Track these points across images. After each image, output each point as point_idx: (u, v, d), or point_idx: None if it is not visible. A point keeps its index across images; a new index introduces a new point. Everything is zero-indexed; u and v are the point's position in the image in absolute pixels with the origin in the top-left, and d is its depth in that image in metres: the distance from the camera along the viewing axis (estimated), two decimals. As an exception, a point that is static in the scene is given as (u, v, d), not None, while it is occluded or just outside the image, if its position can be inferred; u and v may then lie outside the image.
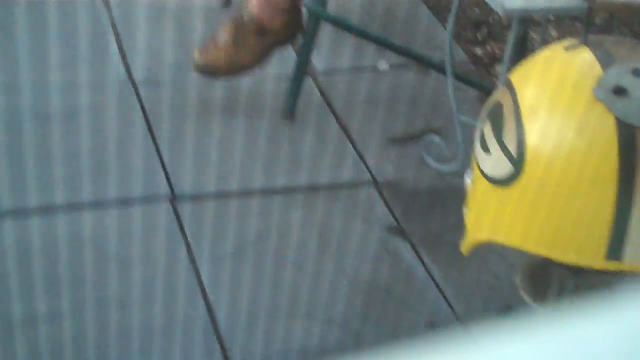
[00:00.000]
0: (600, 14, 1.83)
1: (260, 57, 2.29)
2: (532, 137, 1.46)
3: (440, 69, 2.22)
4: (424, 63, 2.46)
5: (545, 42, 2.11)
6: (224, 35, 2.27)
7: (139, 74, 2.37)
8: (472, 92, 2.43)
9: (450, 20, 2.05)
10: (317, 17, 2.25)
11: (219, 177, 2.09)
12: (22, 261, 1.83)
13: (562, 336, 0.55)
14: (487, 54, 2.64)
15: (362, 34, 2.43)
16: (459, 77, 2.37)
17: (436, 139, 2.19)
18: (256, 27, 2.26)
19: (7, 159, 2.05)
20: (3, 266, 1.81)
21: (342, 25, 2.41)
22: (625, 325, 0.57)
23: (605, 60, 1.49)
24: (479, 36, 2.72)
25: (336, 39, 2.53)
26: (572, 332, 0.56)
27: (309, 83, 2.40)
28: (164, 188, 2.04)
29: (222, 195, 2.05)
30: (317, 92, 2.40)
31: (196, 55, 2.26)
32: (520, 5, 1.79)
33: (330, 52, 2.53)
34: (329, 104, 2.37)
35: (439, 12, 2.79)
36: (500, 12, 1.80)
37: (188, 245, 1.91)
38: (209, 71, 2.27)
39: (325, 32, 2.41)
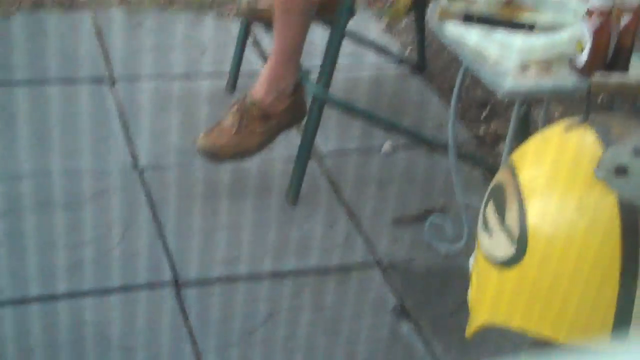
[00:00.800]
0: (601, 92, 1.84)
1: (265, 140, 2.30)
2: (534, 219, 1.45)
3: (445, 149, 2.22)
4: (428, 143, 2.47)
5: (548, 120, 2.12)
6: (228, 120, 2.28)
7: (144, 159, 2.37)
8: (477, 171, 2.43)
9: (453, 100, 2.06)
10: (321, 101, 2.26)
11: (224, 261, 2.07)
12: (23, 349, 1.81)
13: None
14: (491, 133, 2.65)
15: (365, 115, 2.44)
16: (463, 157, 2.37)
17: (441, 219, 2.18)
18: (260, 111, 2.27)
19: (10, 247, 2.05)
20: (4, 355, 1.79)
21: (345, 107, 2.42)
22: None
23: (606, 140, 1.48)
24: (483, 116, 2.73)
25: (340, 120, 2.54)
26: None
27: (314, 165, 2.40)
28: (167, 274, 2.02)
29: (227, 280, 2.03)
30: (323, 174, 2.40)
31: (201, 139, 2.27)
32: (520, 86, 1.80)
33: (334, 133, 2.53)
34: (334, 186, 2.36)
35: (443, 92, 2.80)
36: (501, 94, 1.80)
37: (191, 332, 1.89)
38: (214, 155, 2.27)
39: (329, 114, 2.42)
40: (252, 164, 2.36)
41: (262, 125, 2.28)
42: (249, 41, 2.83)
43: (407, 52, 3.02)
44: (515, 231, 1.47)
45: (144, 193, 2.25)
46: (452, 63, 2.94)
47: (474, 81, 2.77)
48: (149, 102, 2.61)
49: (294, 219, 2.23)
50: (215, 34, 2.98)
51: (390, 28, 3.15)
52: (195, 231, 2.15)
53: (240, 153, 2.29)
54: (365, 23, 3.12)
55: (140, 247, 2.09)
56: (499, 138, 2.60)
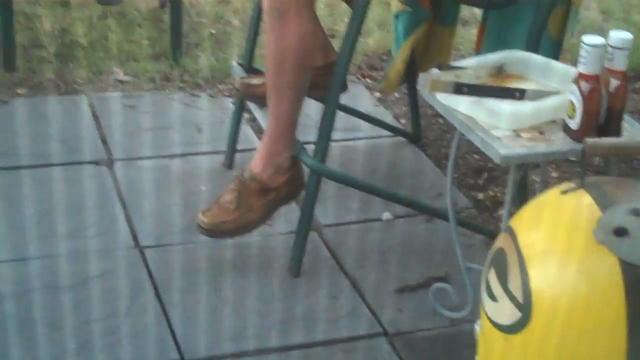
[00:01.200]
0: (596, 155, 1.87)
1: (264, 215, 2.31)
2: (538, 283, 1.46)
3: (445, 216, 2.24)
4: (428, 211, 2.49)
5: (546, 184, 2.14)
6: (227, 196, 2.30)
7: (145, 238, 2.39)
8: (478, 237, 2.44)
9: (450, 166, 2.09)
10: (318, 173, 2.29)
11: (230, 338, 2.07)
12: None
13: None
14: (489, 198, 2.67)
15: (363, 187, 2.47)
16: (462, 223, 2.39)
17: (445, 286, 2.19)
18: (259, 186, 2.29)
19: (18, 330, 2.05)
20: None
21: (342, 180, 2.44)
22: None
23: (604, 202, 1.50)
24: (480, 181, 2.75)
25: (338, 192, 2.56)
26: None
27: (314, 237, 2.41)
28: (174, 352, 2.02)
29: (234, 356, 2.03)
30: (324, 246, 2.42)
31: (200, 216, 2.29)
32: (515, 152, 1.83)
33: (334, 205, 2.55)
34: (336, 258, 2.38)
35: (439, 160, 2.84)
36: (497, 160, 1.83)
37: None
38: (214, 232, 2.29)
39: (327, 186, 2.44)
40: (253, 238, 2.37)
41: (261, 199, 2.30)
42: (246, 118, 2.87)
43: (401, 123, 3.06)
44: (519, 296, 1.48)
45: (146, 272, 2.26)
46: (447, 131, 2.98)
47: (470, 148, 2.80)
48: (147, 181, 2.63)
49: (298, 292, 2.24)
50: (211, 112, 3.02)
51: (383, 100, 3.20)
52: (200, 308, 2.16)
53: (240, 228, 2.30)
54: (358, 95, 3.16)
55: (146, 326, 2.09)
56: (498, 203, 2.62)
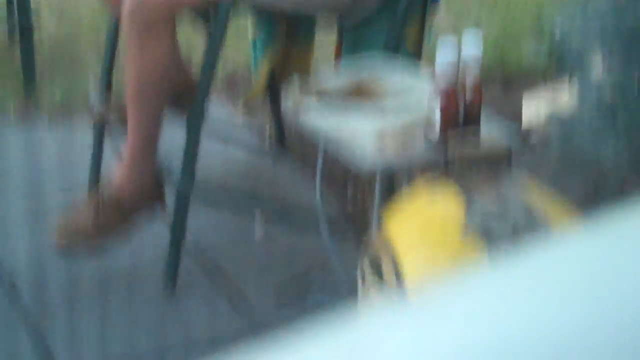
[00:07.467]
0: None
1: (124, 233, 2.27)
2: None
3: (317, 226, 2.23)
4: (300, 222, 2.47)
5: (411, 184, 2.18)
6: (86, 214, 2.25)
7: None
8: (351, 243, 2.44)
9: (317, 178, 2.10)
10: (186, 194, 2.25)
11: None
12: None
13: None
14: (359, 202, 2.68)
15: (231, 204, 2.44)
16: (334, 231, 2.39)
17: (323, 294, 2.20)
18: (118, 205, 2.24)
19: None
20: None
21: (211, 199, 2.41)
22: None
23: (468, 203, 1.55)
24: (349, 188, 2.76)
25: (208, 213, 2.51)
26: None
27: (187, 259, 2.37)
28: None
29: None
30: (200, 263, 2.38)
31: (56, 235, 2.23)
32: (381, 160, 1.85)
33: (204, 227, 2.51)
34: (211, 277, 2.35)
35: (307, 169, 2.81)
36: (363, 169, 1.85)
37: None
38: (73, 252, 2.23)
39: (196, 207, 2.39)
40: (123, 260, 2.31)
41: (120, 217, 2.26)
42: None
43: (267, 131, 3.03)
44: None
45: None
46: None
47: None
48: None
49: (177, 309, 2.20)
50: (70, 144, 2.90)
51: (247, 110, 3.16)
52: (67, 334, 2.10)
53: (100, 246, 2.25)
54: (221, 107, 3.12)
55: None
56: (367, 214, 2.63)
